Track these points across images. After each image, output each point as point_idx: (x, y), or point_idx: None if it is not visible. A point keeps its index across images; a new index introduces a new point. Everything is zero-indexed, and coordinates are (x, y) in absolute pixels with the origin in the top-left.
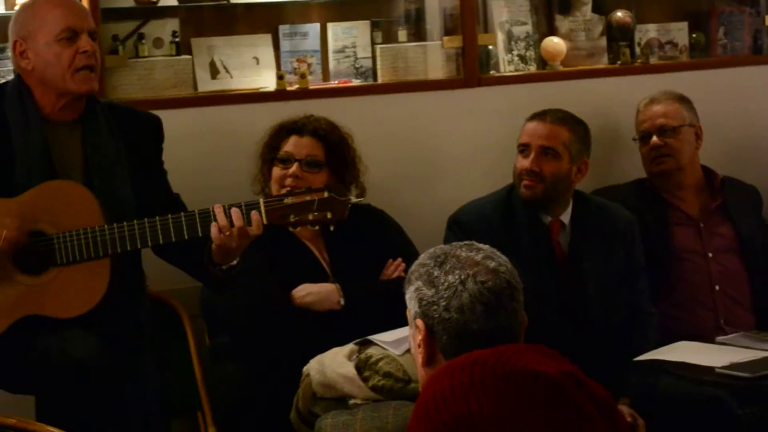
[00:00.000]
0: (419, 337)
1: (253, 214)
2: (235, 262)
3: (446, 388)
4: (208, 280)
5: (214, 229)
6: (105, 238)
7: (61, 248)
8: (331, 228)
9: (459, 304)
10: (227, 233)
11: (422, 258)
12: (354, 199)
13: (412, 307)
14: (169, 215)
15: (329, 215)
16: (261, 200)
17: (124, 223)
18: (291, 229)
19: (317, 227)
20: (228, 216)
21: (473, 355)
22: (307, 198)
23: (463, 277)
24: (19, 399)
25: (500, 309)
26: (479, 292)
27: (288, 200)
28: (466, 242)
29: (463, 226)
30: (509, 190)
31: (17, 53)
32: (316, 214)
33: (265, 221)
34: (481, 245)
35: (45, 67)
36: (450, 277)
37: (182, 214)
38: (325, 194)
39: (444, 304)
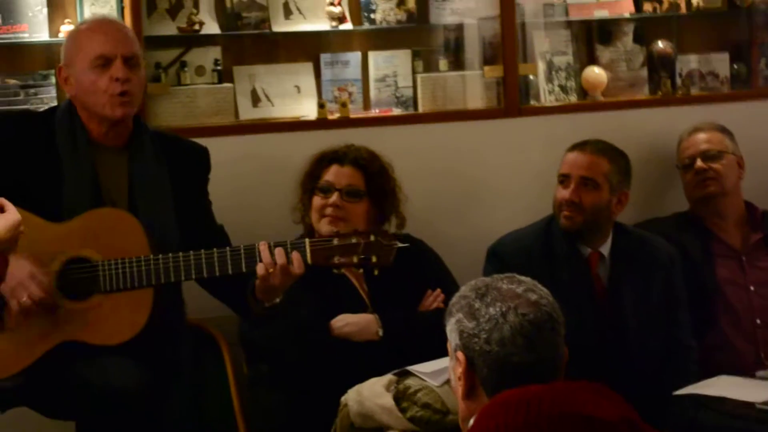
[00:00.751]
0: (460, 370)
1: (294, 254)
2: (277, 300)
3: (501, 426)
4: (248, 315)
5: (259, 267)
6: (150, 268)
7: (105, 276)
8: (375, 272)
9: (500, 337)
10: (270, 270)
11: (463, 290)
12: (399, 245)
13: (452, 339)
14: (215, 249)
15: (374, 259)
16: (307, 241)
17: (170, 254)
18: (335, 271)
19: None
20: (272, 254)
21: (528, 394)
22: (353, 240)
23: (504, 309)
24: (59, 425)
25: (541, 342)
26: (520, 325)
27: (334, 242)
28: (507, 274)
29: (501, 257)
30: (548, 221)
31: (62, 79)
32: (361, 257)
33: (309, 261)
34: (522, 278)
35: (84, 94)
36: (491, 310)
37: (228, 249)
38: (371, 238)
39: (485, 336)
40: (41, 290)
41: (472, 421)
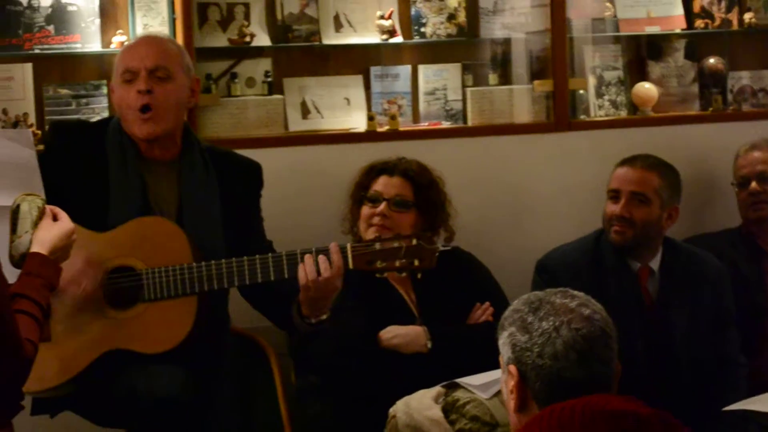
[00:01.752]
0: (512, 383)
1: (336, 258)
2: (324, 316)
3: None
4: (295, 332)
5: (301, 271)
6: (192, 276)
7: (149, 284)
8: (419, 276)
9: (553, 351)
10: (312, 278)
11: (516, 304)
12: (441, 248)
13: (505, 352)
14: (257, 256)
15: (417, 263)
16: (348, 245)
17: (212, 261)
18: (378, 275)
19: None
20: (315, 259)
21: (561, 404)
22: (395, 244)
23: (557, 323)
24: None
25: (594, 357)
26: (573, 340)
27: (376, 246)
28: (561, 289)
29: (550, 271)
30: (597, 236)
31: (111, 95)
32: (403, 261)
33: (351, 266)
34: (575, 292)
35: (119, 109)
36: (544, 324)
37: (270, 255)
38: (414, 242)
39: (537, 350)
40: (92, 284)
41: None
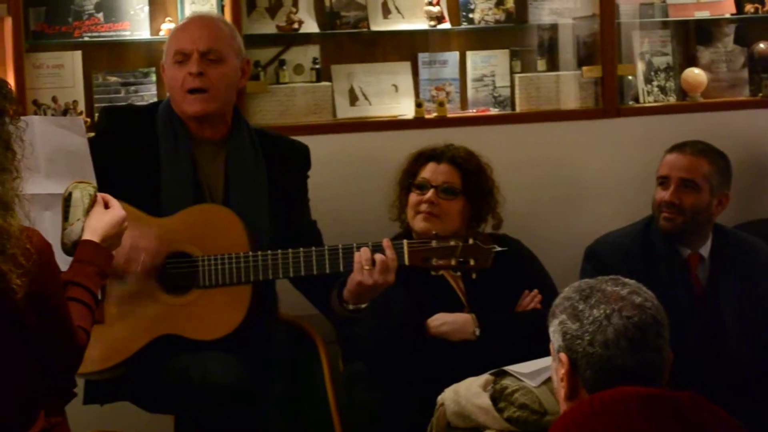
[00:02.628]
0: (562, 371)
1: (390, 255)
2: (364, 305)
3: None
4: (331, 314)
5: (356, 264)
6: (248, 265)
7: (204, 271)
8: (473, 276)
9: (604, 339)
10: (367, 268)
11: (567, 291)
12: (498, 248)
13: (555, 340)
14: (313, 248)
15: (472, 262)
16: (405, 241)
17: (269, 252)
18: (432, 273)
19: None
20: (371, 255)
21: (593, 395)
22: (452, 243)
23: (608, 311)
24: (157, 419)
25: (645, 345)
26: (624, 327)
27: (432, 244)
28: (612, 276)
29: (600, 257)
30: (647, 222)
31: (162, 75)
32: (459, 260)
33: (407, 262)
34: (627, 280)
35: (169, 88)
36: (595, 312)
37: (326, 248)
38: (470, 241)
39: (588, 338)
40: (155, 243)
41: None
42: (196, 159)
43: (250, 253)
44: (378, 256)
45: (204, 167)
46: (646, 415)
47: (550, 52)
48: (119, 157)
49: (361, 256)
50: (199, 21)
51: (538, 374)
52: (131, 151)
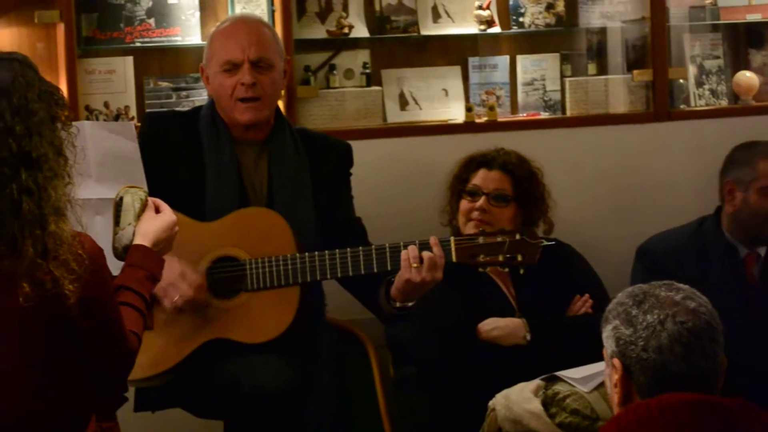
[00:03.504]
0: (616, 377)
1: (438, 252)
2: (411, 303)
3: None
4: (379, 313)
5: (404, 263)
6: (296, 267)
7: (252, 274)
8: (521, 271)
9: (657, 345)
10: (415, 266)
11: (620, 297)
12: (545, 242)
13: (608, 346)
14: (360, 248)
15: (520, 258)
16: (452, 238)
17: (315, 253)
18: (480, 269)
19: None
20: (419, 253)
21: (638, 402)
22: (499, 239)
23: (662, 317)
24: (206, 424)
25: (699, 350)
26: (678, 333)
27: (479, 240)
28: (665, 281)
29: (652, 256)
30: (701, 222)
31: (204, 78)
32: (507, 255)
33: (454, 259)
34: (680, 285)
35: (216, 95)
36: (649, 317)
37: (373, 247)
38: (517, 236)
39: (642, 344)
40: (193, 289)
41: None
42: (240, 161)
43: (298, 255)
44: (425, 254)
45: (248, 169)
46: (693, 423)
47: (599, 55)
48: (164, 162)
49: (409, 253)
50: (245, 27)
51: (589, 379)
52: (175, 156)
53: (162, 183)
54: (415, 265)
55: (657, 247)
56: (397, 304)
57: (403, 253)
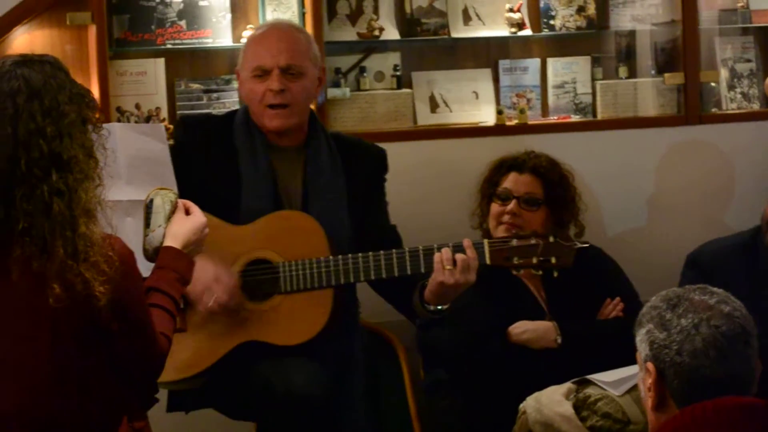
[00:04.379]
0: (649, 381)
1: (472, 255)
2: (445, 306)
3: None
4: (413, 317)
5: (437, 265)
6: (329, 270)
7: (285, 277)
8: (555, 274)
9: (692, 349)
10: (448, 267)
11: (654, 300)
12: (579, 245)
13: (642, 349)
14: (393, 250)
15: (553, 260)
16: (485, 241)
17: (349, 255)
18: (514, 272)
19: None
20: (452, 256)
21: (694, 405)
22: (533, 242)
23: (696, 321)
24: (238, 426)
25: (734, 355)
26: (713, 337)
27: (513, 242)
28: (699, 285)
29: (702, 265)
30: (754, 233)
31: (239, 81)
32: (540, 258)
33: (488, 262)
34: (715, 289)
35: (247, 100)
36: (683, 321)
37: (407, 250)
38: (551, 239)
39: (676, 348)
40: (227, 294)
41: None
42: (275, 167)
43: (331, 258)
44: (459, 256)
45: (282, 175)
46: (748, 427)
47: (627, 58)
48: (197, 167)
49: (443, 255)
50: (277, 33)
51: (621, 383)
52: (210, 161)
53: (196, 187)
54: (448, 267)
55: (706, 258)
56: (431, 308)
57: (437, 256)
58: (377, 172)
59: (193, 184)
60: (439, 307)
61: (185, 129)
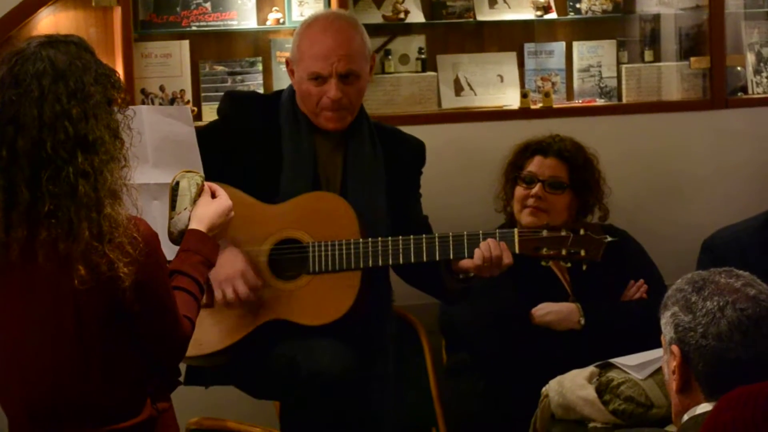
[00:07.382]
0: (674, 364)
1: (501, 244)
2: (472, 273)
3: (738, 420)
4: (444, 294)
5: (483, 252)
6: (359, 252)
7: (314, 257)
8: (584, 267)
9: (717, 332)
10: (485, 255)
11: (679, 283)
12: (609, 238)
13: (667, 332)
14: (423, 236)
15: (583, 253)
16: (515, 230)
17: (379, 238)
18: (543, 263)
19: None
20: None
21: (755, 389)
22: (563, 233)
23: (722, 303)
24: (262, 405)
25: (759, 338)
26: (738, 320)
27: (543, 233)
28: (725, 268)
29: (716, 251)
30: (766, 218)
31: (288, 69)
32: (570, 250)
33: (517, 251)
34: (740, 272)
35: (301, 96)
36: (708, 304)
37: (437, 236)
38: (582, 232)
39: (701, 330)
40: (248, 289)
41: (686, 417)
42: (317, 150)
43: (360, 240)
44: (494, 252)
45: (323, 158)
46: None
47: (652, 42)
48: (240, 143)
49: (482, 248)
50: (334, 35)
51: (644, 367)
52: (252, 138)
53: (236, 163)
54: (486, 265)
55: (720, 242)
56: (461, 275)
57: (481, 246)
58: (416, 163)
59: (234, 159)
60: (469, 275)
61: (231, 103)
